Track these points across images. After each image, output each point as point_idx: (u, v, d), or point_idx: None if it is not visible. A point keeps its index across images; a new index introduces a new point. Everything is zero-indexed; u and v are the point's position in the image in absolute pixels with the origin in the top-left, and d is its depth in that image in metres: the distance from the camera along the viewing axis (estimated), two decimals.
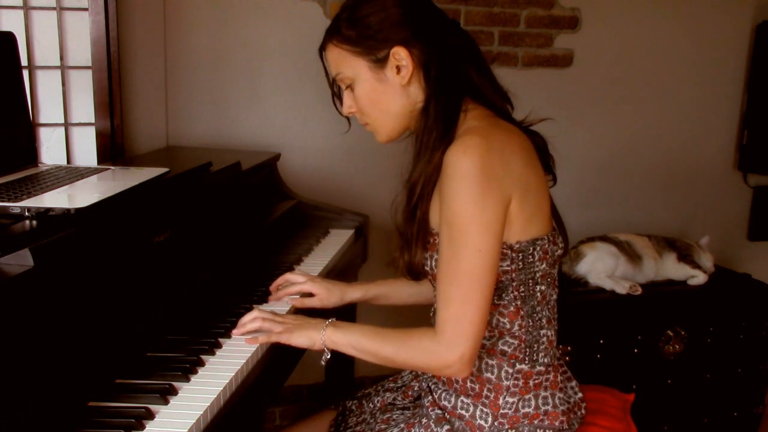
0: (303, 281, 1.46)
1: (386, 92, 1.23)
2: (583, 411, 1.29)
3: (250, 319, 1.26)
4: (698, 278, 2.32)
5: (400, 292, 1.49)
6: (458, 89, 1.22)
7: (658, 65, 2.66)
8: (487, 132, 1.15)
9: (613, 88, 2.63)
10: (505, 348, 1.21)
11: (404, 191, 1.22)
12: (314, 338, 1.23)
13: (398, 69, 1.21)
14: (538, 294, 1.20)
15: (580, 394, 1.30)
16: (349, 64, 1.24)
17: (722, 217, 2.87)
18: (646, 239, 2.35)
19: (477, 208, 1.09)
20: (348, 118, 1.35)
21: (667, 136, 2.74)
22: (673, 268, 2.33)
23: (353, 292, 1.48)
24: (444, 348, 1.12)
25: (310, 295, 1.46)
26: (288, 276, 1.48)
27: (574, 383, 1.30)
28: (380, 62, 1.21)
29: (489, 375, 1.21)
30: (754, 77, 2.73)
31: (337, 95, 1.33)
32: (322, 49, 1.29)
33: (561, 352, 1.75)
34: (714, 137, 2.81)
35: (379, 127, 1.28)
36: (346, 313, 2.07)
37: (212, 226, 1.55)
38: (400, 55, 1.20)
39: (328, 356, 1.24)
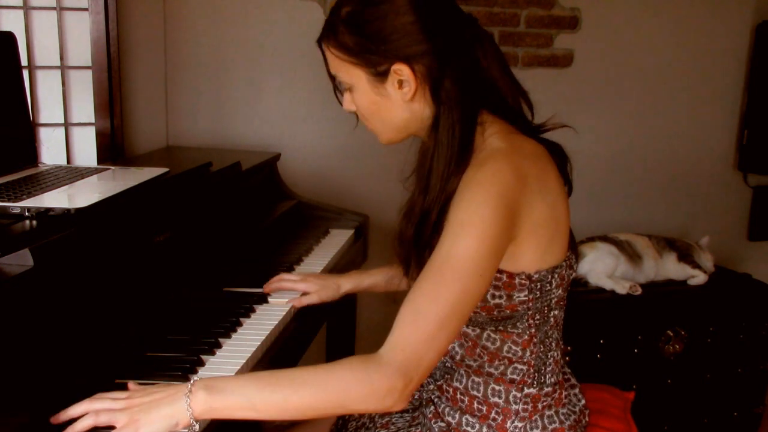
0: (296, 279, 1.47)
1: (386, 106, 1.12)
2: (587, 418, 1.28)
3: (78, 413, 0.93)
4: (698, 278, 2.32)
5: (393, 281, 1.48)
6: (474, 103, 1.10)
7: (657, 65, 2.66)
8: (513, 159, 1.05)
9: (613, 88, 2.63)
10: (514, 376, 1.17)
11: (414, 217, 1.12)
12: (177, 414, 0.92)
13: (400, 83, 1.09)
14: (552, 319, 1.16)
15: (583, 401, 1.27)
16: (346, 72, 1.13)
17: (722, 217, 2.87)
18: (646, 239, 2.35)
19: (479, 237, 0.99)
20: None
21: (667, 136, 2.74)
22: (673, 268, 2.33)
23: (346, 284, 1.49)
24: (393, 370, 0.93)
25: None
26: (282, 275, 1.49)
27: (577, 390, 1.28)
28: (380, 76, 1.09)
29: (497, 399, 1.17)
30: (754, 77, 2.73)
31: (338, 88, 1.22)
32: (319, 43, 1.17)
33: (561, 353, 1.74)
34: (714, 137, 2.81)
35: (380, 133, 1.20)
36: (345, 312, 2.08)
37: (212, 226, 1.55)
38: (402, 72, 1.08)
39: (196, 429, 0.93)
